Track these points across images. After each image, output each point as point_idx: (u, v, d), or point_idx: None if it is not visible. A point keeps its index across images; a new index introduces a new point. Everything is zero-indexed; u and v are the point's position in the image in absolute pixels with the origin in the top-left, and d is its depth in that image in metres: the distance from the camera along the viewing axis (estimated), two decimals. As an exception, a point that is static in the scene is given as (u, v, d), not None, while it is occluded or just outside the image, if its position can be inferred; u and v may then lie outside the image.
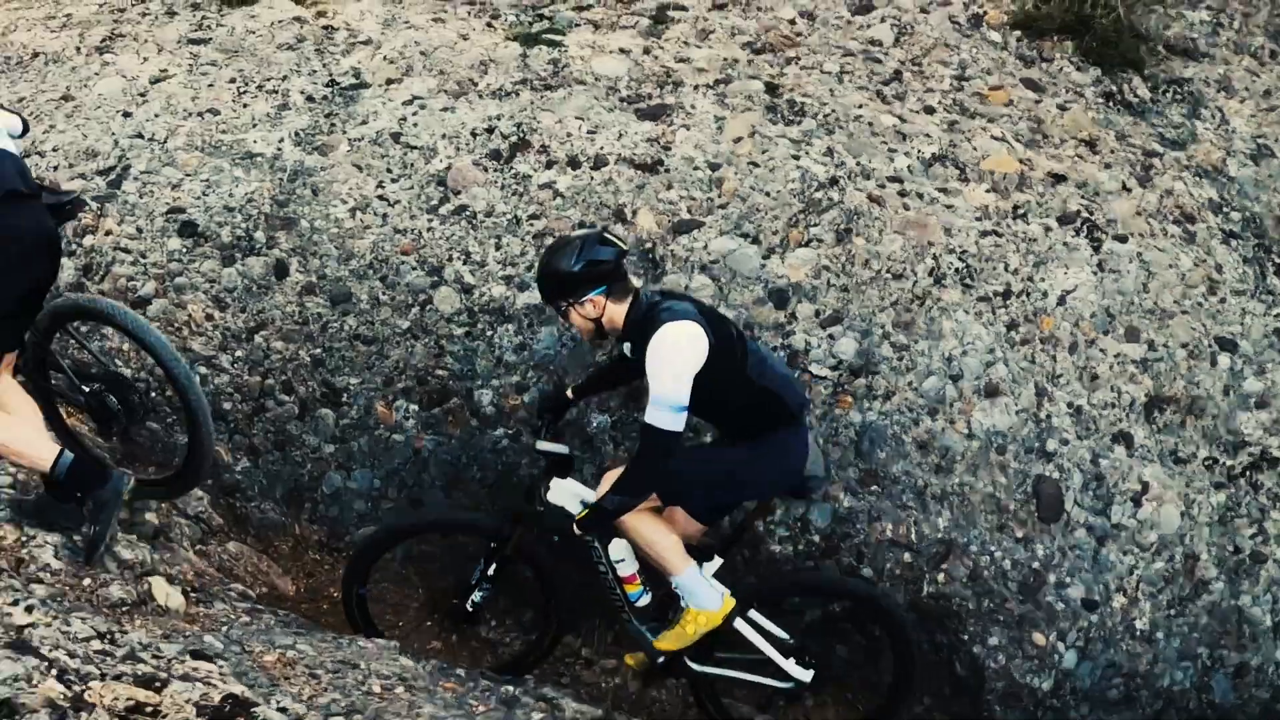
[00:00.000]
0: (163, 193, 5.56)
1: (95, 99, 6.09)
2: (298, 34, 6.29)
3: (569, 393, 4.59)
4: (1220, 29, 6.39)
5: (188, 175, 5.59)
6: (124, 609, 3.73)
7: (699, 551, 4.34)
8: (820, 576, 4.85)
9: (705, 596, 4.28)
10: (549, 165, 5.30)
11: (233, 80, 6.04)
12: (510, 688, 3.99)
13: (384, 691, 3.51)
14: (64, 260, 5.36)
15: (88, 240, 5.49)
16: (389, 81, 5.84)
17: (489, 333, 5.05)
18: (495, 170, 5.33)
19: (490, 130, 5.46)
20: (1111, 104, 5.79)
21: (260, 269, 5.27)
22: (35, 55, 6.66)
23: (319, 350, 5.16)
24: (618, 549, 4.37)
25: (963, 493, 4.77)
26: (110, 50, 6.47)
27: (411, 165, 5.42)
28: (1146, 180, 5.46)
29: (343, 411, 5.14)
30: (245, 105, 5.87)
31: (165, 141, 5.75)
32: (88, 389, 4.35)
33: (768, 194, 5.13)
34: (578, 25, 6.10)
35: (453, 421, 5.06)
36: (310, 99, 5.85)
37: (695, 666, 4.49)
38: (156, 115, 5.89)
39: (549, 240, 4.89)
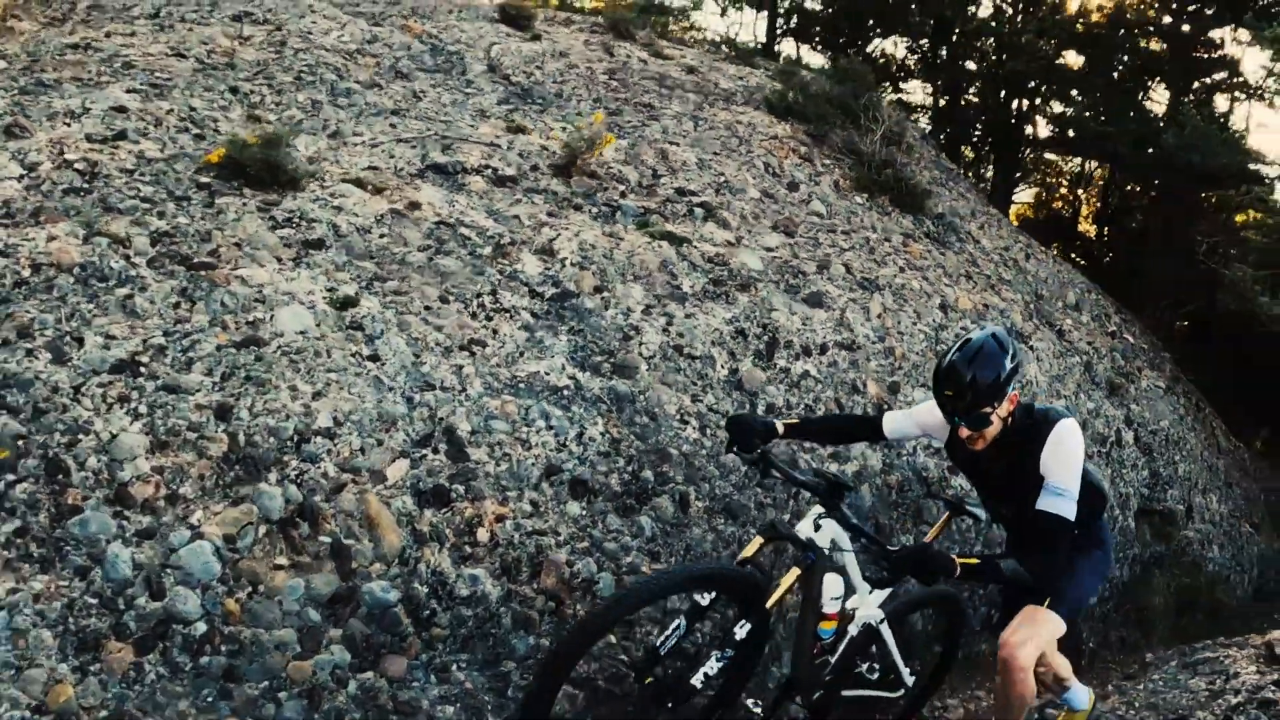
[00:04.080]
0: (515, 450, 4.77)
1: (302, 341, 4.61)
2: (427, 232, 5.49)
3: (779, 426, 4.22)
4: (924, 167, 9.34)
5: (524, 424, 4.85)
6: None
7: (876, 581, 4.10)
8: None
9: (1082, 697, 4.67)
10: (796, 357, 5.98)
11: (445, 300, 5.13)
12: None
13: None
14: (469, 570, 4.39)
15: (481, 533, 4.47)
16: (597, 289, 5.66)
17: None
18: (767, 368, 5.82)
19: (741, 333, 5.86)
20: (932, 241, 8.30)
21: (670, 508, 5.01)
22: (61, 270, 4.43)
23: (743, 570, 5.19)
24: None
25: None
26: (187, 260, 4.75)
27: (705, 375, 5.57)
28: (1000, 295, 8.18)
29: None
30: (494, 332, 5.11)
31: (463, 389, 4.79)
32: None
33: (918, 352, 6.65)
34: (641, 214, 6.48)
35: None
36: (536, 315, 5.37)
37: (846, 693, 4.37)
38: (418, 356, 4.81)
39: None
